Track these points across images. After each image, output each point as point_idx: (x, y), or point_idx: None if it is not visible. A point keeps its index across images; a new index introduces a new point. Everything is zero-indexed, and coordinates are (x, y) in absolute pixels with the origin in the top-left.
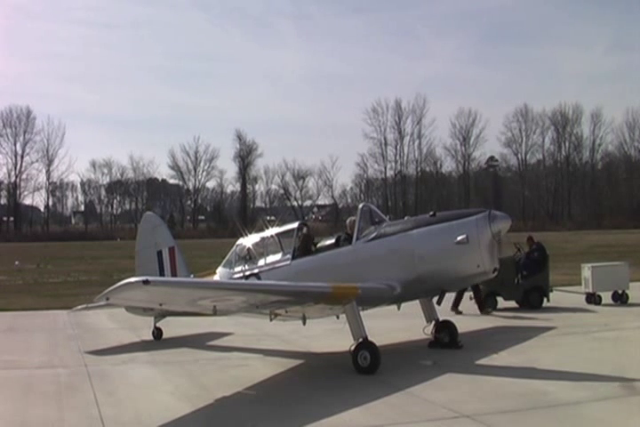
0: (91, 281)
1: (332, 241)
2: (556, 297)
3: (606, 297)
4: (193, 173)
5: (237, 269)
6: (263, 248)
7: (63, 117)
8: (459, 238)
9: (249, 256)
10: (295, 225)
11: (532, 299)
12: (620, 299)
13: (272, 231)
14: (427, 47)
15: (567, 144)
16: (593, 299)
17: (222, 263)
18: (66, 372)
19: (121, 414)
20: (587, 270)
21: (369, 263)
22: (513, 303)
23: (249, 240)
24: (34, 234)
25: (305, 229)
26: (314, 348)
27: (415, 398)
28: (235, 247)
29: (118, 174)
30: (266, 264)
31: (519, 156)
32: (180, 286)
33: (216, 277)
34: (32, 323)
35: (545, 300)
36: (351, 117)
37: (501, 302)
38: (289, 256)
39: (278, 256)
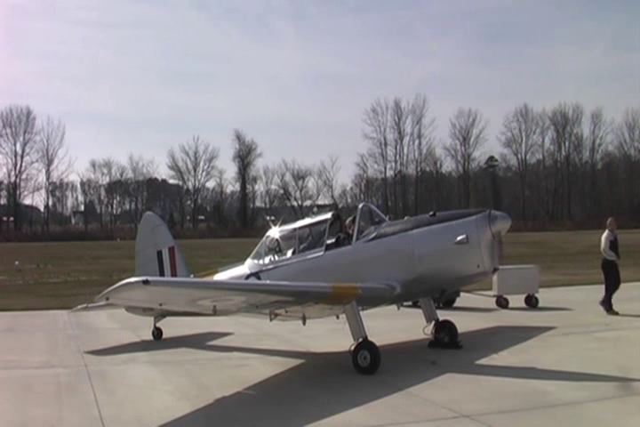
0: (91, 281)
1: (332, 241)
2: (466, 300)
3: (520, 301)
4: (192, 173)
5: (267, 260)
6: (294, 240)
7: (63, 117)
8: (458, 238)
9: (279, 248)
10: (328, 216)
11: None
12: (529, 303)
13: (304, 222)
14: (426, 47)
15: (567, 144)
16: (500, 302)
17: (251, 255)
18: (66, 372)
19: (121, 414)
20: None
21: (368, 263)
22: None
23: (279, 232)
24: (34, 234)
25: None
26: (314, 348)
27: (415, 398)
28: (264, 239)
29: (118, 174)
30: (296, 255)
31: (519, 156)
32: (180, 286)
33: (242, 269)
34: (32, 323)
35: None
36: (351, 117)
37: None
38: (322, 247)
39: (311, 247)
